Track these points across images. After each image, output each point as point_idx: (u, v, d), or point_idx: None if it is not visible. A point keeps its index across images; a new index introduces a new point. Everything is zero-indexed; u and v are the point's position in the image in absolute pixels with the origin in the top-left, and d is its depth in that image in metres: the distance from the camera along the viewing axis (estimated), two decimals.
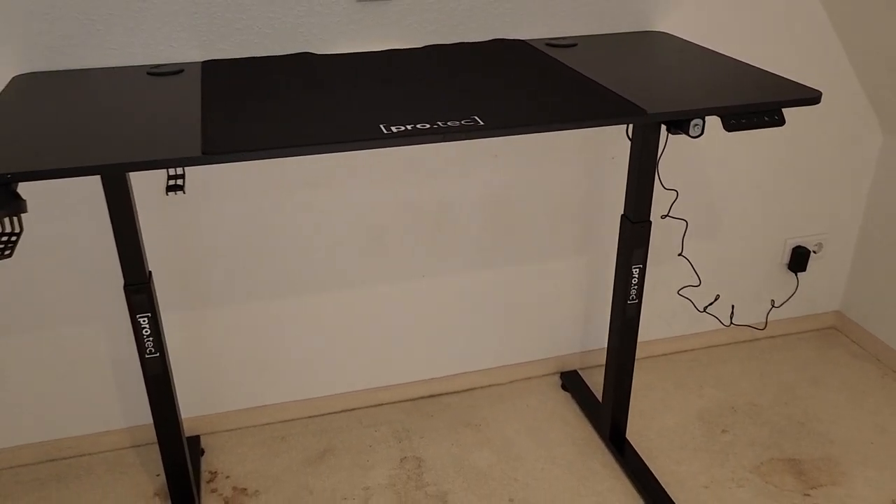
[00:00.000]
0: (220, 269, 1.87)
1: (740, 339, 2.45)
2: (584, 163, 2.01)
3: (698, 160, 2.10)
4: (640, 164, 1.67)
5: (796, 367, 2.32)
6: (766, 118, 1.38)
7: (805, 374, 2.29)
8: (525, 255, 2.10)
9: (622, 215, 1.76)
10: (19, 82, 1.49)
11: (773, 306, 2.41)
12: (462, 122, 1.24)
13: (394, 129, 1.21)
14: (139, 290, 1.49)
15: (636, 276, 1.78)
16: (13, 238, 1.19)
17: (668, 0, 1.88)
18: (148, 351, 1.55)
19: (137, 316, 1.51)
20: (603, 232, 2.13)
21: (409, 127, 1.22)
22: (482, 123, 1.24)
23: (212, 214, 1.81)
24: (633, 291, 1.80)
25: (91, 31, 1.56)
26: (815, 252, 2.34)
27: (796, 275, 2.38)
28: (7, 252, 1.17)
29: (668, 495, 1.83)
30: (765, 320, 2.43)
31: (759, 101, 1.36)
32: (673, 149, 2.06)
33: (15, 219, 1.18)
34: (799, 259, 2.32)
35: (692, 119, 1.36)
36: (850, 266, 2.43)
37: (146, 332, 1.53)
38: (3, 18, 1.52)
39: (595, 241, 2.14)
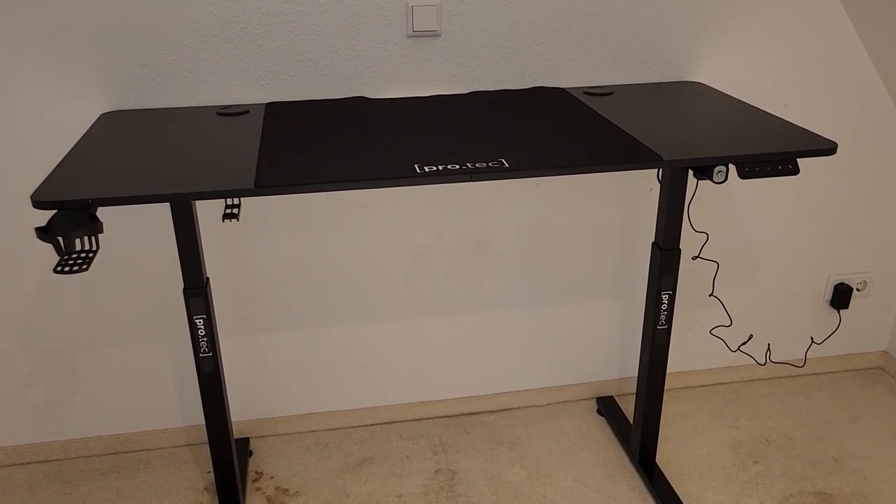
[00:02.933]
0: (276, 286, 2.01)
1: (781, 375, 2.46)
2: (623, 194, 2.09)
3: (729, 201, 2.16)
4: (668, 203, 1.75)
5: (837, 405, 2.32)
6: (780, 167, 1.44)
7: (845, 411, 2.29)
8: (565, 281, 2.18)
9: (653, 243, 1.83)
10: (105, 119, 1.69)
11: (812, 343, 2.42)
12: (489, 164, 1.36)
13: (426, 168, 1.34)
14: (196, 294, 1.64)
15: (665, 302, 1.84)
16: (90, 255, 1.36)
17: (706, 52, 1.96)
18: (202, 350, 1.69)
19: (194, 317, 1.65)
20: (643, 261, 2.20)
21: (440, 167, 1.35)
22: (507, 165, 1.36)
23: (267, 234, 1.95)
24: (663, 317, 1.86)
25: (169, 75, 1.74)
26: (858, 290, 2.35)
27: (839, 312, 2.38)
28: (85, 266, 1.34)
29: None
30: (804, 357, 2.43)
31: (773, 151, 1.43)
32: (703, 192, 2.12)
33: (92, 238, 1.34)
34: (841, 296, 2.33)
35: (713, 166, 1.44)
36: None
37: (201, 332, 1.67)
38: (93, 65, 1.72)
39: (635, 270, 2.20)
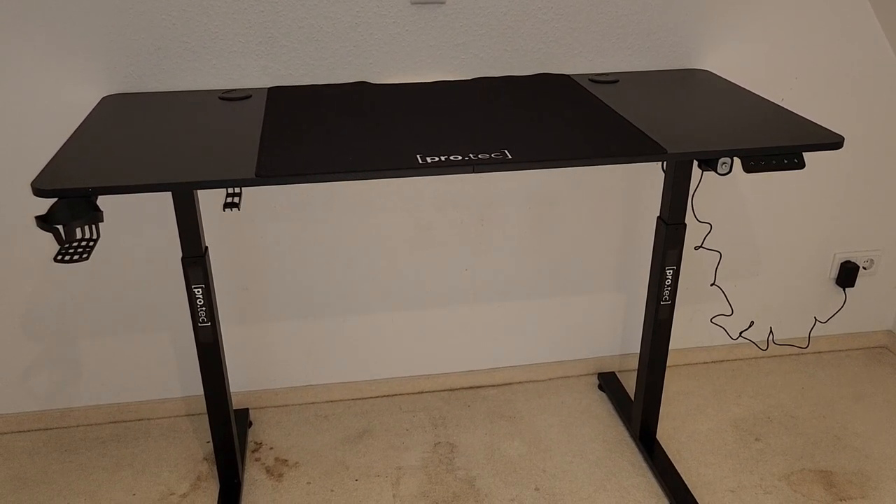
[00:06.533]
0: (276, 257, 2.00)
1: (784, 353, 2.44)
2: (629, 169, 2.06)
3: (735, 184, 2.13)
4: (673, 188, 1.74)
5: (840, 383, 2.30)
6: (786, 161, 1.42)
7: (848, 390, 2.27)
8: (568, 255, 2.16)
9: (658, 217, 1.80)
10: (107, 103, 1.66)
11: (816, 323, 2.40)
12: (491, 156, 1.34)
13: (429, 159, 1.33)
14: (195, 263, 1.62)
15: (669, 277, 1.82)
16: (91, 243, 1.34)
17: (712, 39, 1.92)
18: (201, 320, 1.68)
19: (193, 286, 1.64)
20: (648, 236, 2.17)
21: (442, 158, 1.33)
22: (509, 157, 1.34)
23: (267, 206, 1.93)
24: (667, 293, 1.84)
25: (168, 40, 1.71)
26: (864, 268, 2.32)
27: (844, 290, 2.36)
28: (85, 255, 1.33)
29: (692, 495, 1.86)
30: (807, 338, 2.42)
31: (778, 145, 1.41)
32: (707, 180, 2.09)
33: (93, 226, 1.32)
34: (847, 274, 2.31)
35: (719, 158, 1.42)
36: None
37: (200, 302, 1.66)
38: (95, 46, 1.70)
39: (639, 245, 2.18)
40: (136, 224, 1.91)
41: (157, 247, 1.94)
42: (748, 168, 1.41)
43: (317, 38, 1.78)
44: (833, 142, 1.43)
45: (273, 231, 1.97)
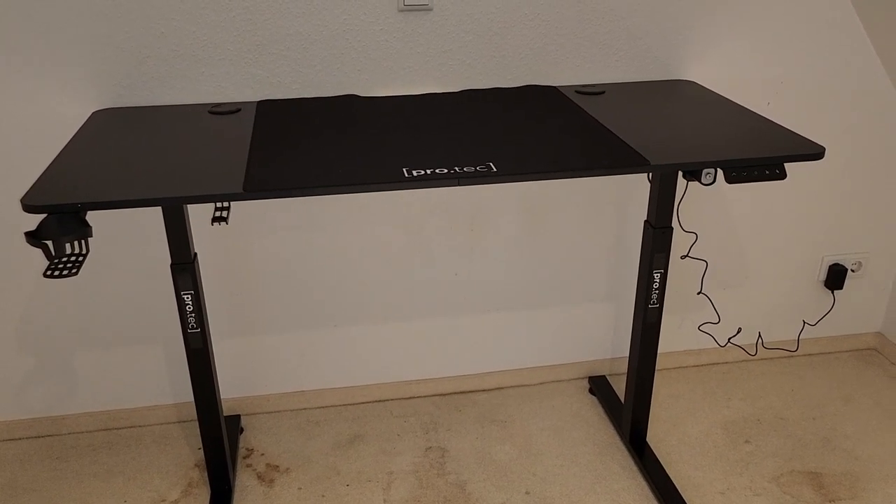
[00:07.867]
0: (267, 263, 2.00)
1: (774, 356, 2.45)
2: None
3: (721, 191, 2.13)
4: (659, 196, 1.75)
5: (829, 385, 2.31)
6: (767, 171, 1.44)
7: (837, 392, 2.28)
8: (558, 260, 2.17)
9: (645, 221, 1.82)
10: (97, 117, 1.67)
11: (805, 325, 2.41)
12: (477, 168, 1.36)
13: (415, 172, 1.34)
14: (184, 269, 1.62)
15: (657, 280, 1.83)
16: (80, 258, 1.35)
17: (698, 49, 1.94)
18: (190, 326, 1.68)
19: (182, 293, 1.64)
20: (637, 240, 2.18)
21: (428, 171, 1.35)
22: (494, 170, 1.35)
23: (257, 213, 1.94)
24: (654, 296, 1.85)
25: (157, 48, 1.72)
26: (853, 270, 2.33)
27: (833, 293, 2.37)
28: (74, 271, 1.34)
29: (682, 498, 1.86)
30: (796, 340, 2.43)
31: (760, 156, 1.43)
32: (693, 188, 2.11)
33: (82, 241, 1.33)
34: (836, 277, 2.32)
35: (702, 169, 1.45)
36: (893, 287, 2.41)
37: (189, 308, 1.66)
38: (86, 62, 1.71)
39: (629, 249, 2.19)
40: (127, 235, 1.91)
41: (148, 256, 1.95)
42: (730, 179, 1.44)
43: (305, 46, 1.79)
44: (814, 153, 1.45)
45: (263, 238, 1.98)
